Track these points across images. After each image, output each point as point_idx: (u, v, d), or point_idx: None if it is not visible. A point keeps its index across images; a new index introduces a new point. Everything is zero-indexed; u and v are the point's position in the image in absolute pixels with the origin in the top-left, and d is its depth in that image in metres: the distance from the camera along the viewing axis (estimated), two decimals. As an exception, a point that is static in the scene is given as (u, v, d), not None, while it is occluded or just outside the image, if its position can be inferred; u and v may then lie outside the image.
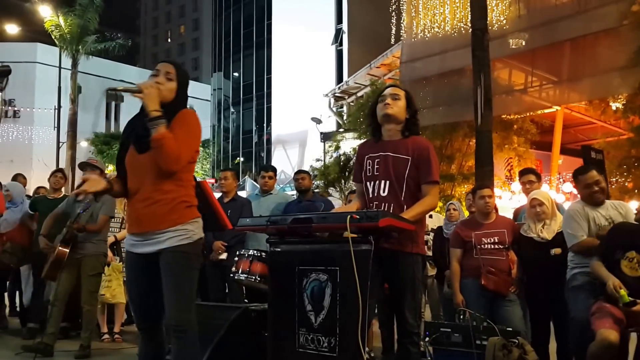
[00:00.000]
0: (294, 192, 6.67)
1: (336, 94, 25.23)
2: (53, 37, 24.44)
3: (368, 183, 3.29)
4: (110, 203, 5.26)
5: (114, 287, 5.91)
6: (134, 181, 2.79)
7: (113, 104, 42.31)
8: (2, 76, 2.48)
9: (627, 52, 11.70)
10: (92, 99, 36.80)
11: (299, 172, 6.52)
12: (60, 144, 23.84)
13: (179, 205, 2.74)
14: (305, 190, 6.15)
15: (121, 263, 6.04)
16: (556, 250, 4.24)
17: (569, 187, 13.36)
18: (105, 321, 6.08)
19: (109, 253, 5.86)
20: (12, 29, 25.92)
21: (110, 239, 5.93)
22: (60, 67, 23.34)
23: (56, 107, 23.62)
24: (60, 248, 4.98)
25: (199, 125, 2.84)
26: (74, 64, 24.80)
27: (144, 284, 2.81)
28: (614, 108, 13.48)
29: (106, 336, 5.98)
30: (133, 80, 44.87)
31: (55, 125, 23.99)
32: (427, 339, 4.14)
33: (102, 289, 5.74)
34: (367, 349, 2.92)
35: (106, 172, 5.97)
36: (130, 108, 42.79)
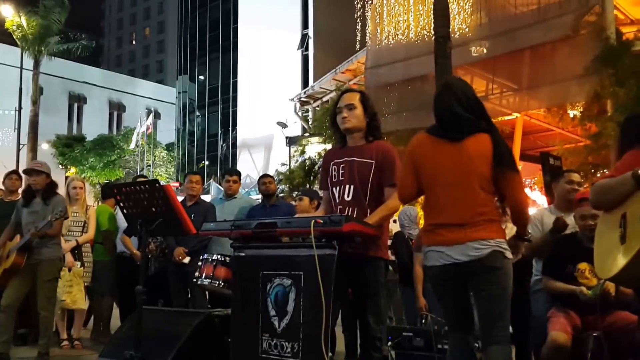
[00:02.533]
0: (259, 196, 6.67)
1: (302, 99, 25.29)
2: (14, 37, 23.87)
3: (334, 188, 3.31)
4: (62, 205, 5.12)
5: (74, 293, 5.80)
6: None
7: (76, 105, 41.50)
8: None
9: (584, 60, 12.04)
10: (54, 100, 36.05)
11: (266, 176, 6.52)
12: (21, 146, 23.30)
13: None
14: (272, 195, 6.17)
15: (82, 268, 5.93)
16: (515, 255, 4.32)
17: (527, 192, 13.67)
18: (64, 327, 5.96)
19: (70, 257, 5.76)
20: (-29, 28, 25.24)
21: (72, 243, 5.83)
22: (21, 68, 22.87)
23: (17, 109, 23.09)
24: (17, 256, 4.86)
25: None
26: (36, 65, 24.28)
27: None
28: (571, 115, 13.80)
29: (65, 342, 5.85)
30: (96, 82, 44.24)
31: (16, 127, 23.45)
32: (389, 343, 4.18)
33: (62, 294, 5.63)
34: (329, 353, 2.92)
35: (68, 174, 5.86)
36: (93, 110, 42.12)
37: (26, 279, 4.99)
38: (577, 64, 12.17)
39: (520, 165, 15.16)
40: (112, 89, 43.68)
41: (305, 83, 30.57)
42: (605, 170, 11.61)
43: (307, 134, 22.95)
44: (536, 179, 13.63)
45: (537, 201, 12.36)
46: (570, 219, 3.88)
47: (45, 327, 5.06)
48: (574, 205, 3.71)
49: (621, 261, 2.17)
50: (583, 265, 3.51)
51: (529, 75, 13.75)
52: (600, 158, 12.47)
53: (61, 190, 6.35)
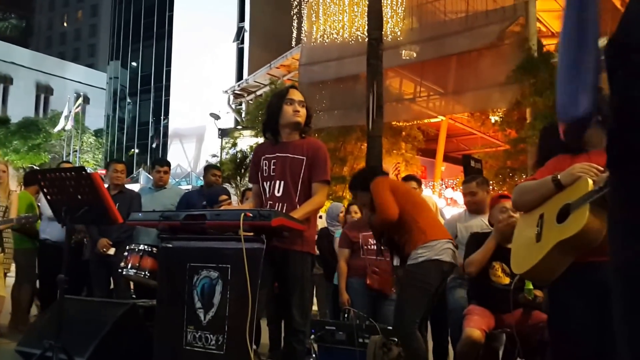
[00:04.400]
0: (189, 187, 6.69)
1: (235, 91, 25.09)
2: None
3: (264, 183, 3.33)
4: None
5: (-7, 280, 5.58)
6: None
7: (1, 86, 39.50)
8: None
9: (506, 69, 12.61)
10: (-24, 80, 34.15)
11: (217, 168, 6.77)
12: None
13: None
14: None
15: (2, 254, 5.71)
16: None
17: (450, 192, 14.21)
18: (-19, 316, 5.73)
19: (-12, 245, 5.53)
20: None
21: (-9, 230, 5.59)
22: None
23: None
24: None
25: None
26: (-44, 42, 22.90)
27: None
28: (492, 121, 14.44)
29: (-19, 332, 5.64)
30: (24, 63, 42.15)
31: None
32: (312, 336, 4.27)
33: (-20, 281, 5.40)
34: (254, 346, 2.94)
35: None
36: (19, 92, 40.11)
37: None
38: (500, 72, 12.74)
39: (444, 166, 15.83)
40: (40, 71, 41.81)
41: (239, 76, 30.32)
42: (523, 175, 12.24)
43: (239, 127, 22.83)
44: (458, 179, 14.18)
45: (457, 201, 12.87)
46: (478, 222, 4.24)
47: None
48: (493, 203, 3.96)
49: (534, 258, 2.35)
50: (497, 264, 3.74)
51: (455, 80, 14.27)
52: (518, 162, 13.11)
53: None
